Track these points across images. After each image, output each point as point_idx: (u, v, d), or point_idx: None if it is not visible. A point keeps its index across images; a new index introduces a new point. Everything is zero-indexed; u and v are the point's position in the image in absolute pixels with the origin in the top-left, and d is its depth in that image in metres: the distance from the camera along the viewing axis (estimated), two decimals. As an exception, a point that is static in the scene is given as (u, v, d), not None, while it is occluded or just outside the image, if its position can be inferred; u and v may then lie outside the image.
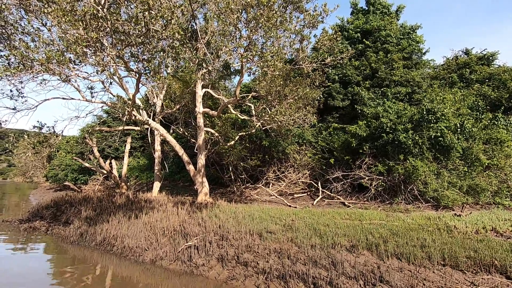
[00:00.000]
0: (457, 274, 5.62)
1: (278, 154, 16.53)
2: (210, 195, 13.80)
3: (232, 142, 14.36)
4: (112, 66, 7.76)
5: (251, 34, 8.21)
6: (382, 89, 16.18)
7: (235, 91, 11.85)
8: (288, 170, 16.56)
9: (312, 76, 13.17)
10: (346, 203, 12.36)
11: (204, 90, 14.45)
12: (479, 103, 13.60)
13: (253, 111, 13.03)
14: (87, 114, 10.99)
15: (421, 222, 8.13)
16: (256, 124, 13.63)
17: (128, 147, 19.73)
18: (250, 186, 16.80)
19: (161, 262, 8.17)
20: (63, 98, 9.69)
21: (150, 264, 8.27)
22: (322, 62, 11.41)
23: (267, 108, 12.62)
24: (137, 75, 8.87)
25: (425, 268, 5.90)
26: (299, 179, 15.87)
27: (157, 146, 16.76)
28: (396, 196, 11.74)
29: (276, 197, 14.48)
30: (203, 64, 12.14)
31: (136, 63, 7.86)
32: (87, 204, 13.40)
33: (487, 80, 16.63)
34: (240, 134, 14.76)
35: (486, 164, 11.46)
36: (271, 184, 16.32)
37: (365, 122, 13.77)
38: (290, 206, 12.72)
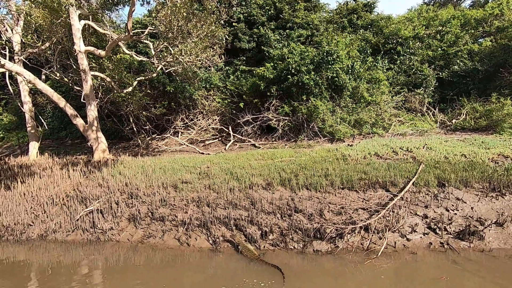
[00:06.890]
0: (353, 194, 6.64)
1: (185, 100, 15.35)
2: (109, 151, 12.03)
3: (130, 89, 12.36)
4: None
5: None
6: (286, 31, 16.30)
7: (126, 25, 9.73)
8: (197, 117, 15.78)
9: (217, 12, 11.92)
10: (257, 145, 12.83)
11: (83, 22, 11.36)
12: (365, 47, 15.35)
13: (152, 51, 11.20)
14: None
15: (323, 155, 9.13)
16: (157, 67, 11.91)
17: (-22, 100, 14.71)
18: (157, 137, 15.46)
19: (54, 236, 6.85)
20: None
21: (39, 241, 6.84)
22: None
23: (169, 47, 11.01)
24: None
25: (329, 194, 6.73)
26: (210, 125, 15.42)
27: (25, 98, 13.03)
28: (300, 134, 12.80)
29: (187, 145, 13.82)
30: (76, -16, 9.31)
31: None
32: None
33: (369, 26, 18.72)
34: (138, 79, 12.73)
35: (368, 100, 13.47)
36: (180, 133, 15.37)
37: (272, 64, 13.85)
38: (202, 153, 12.39)
